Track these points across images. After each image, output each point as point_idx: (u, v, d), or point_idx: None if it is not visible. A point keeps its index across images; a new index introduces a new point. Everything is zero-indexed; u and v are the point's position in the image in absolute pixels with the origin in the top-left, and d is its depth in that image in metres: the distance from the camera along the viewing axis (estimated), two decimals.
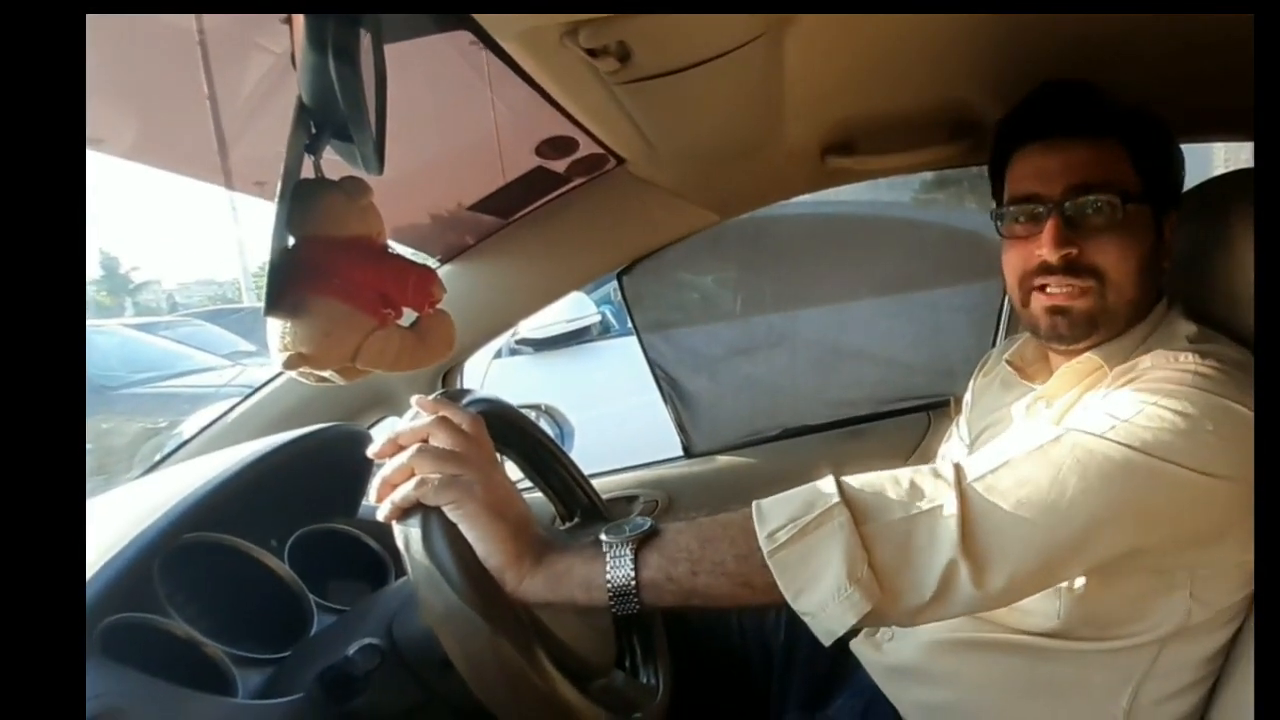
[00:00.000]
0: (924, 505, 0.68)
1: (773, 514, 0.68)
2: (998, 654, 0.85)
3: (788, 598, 0.66)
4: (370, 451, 0.73)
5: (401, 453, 0.69)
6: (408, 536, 0.66)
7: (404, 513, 0.67)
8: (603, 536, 0.68)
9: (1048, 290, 0.86)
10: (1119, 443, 0.69)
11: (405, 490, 0.67)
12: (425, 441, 0.70)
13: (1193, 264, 0.89)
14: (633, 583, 0.67)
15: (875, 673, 0.97)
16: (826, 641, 0.67)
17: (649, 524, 0.70)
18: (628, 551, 0.67)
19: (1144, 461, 0.68)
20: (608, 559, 0.67)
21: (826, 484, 0.70)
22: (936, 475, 0.70)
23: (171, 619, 0.76)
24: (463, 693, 0.67)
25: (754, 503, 0.70)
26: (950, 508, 0.67)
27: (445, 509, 0.66)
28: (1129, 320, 0.86)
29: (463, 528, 0.66)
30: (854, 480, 0.71)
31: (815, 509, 0.67)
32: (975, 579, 0.67)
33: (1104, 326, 0.86)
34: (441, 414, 0.72)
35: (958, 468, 0.70)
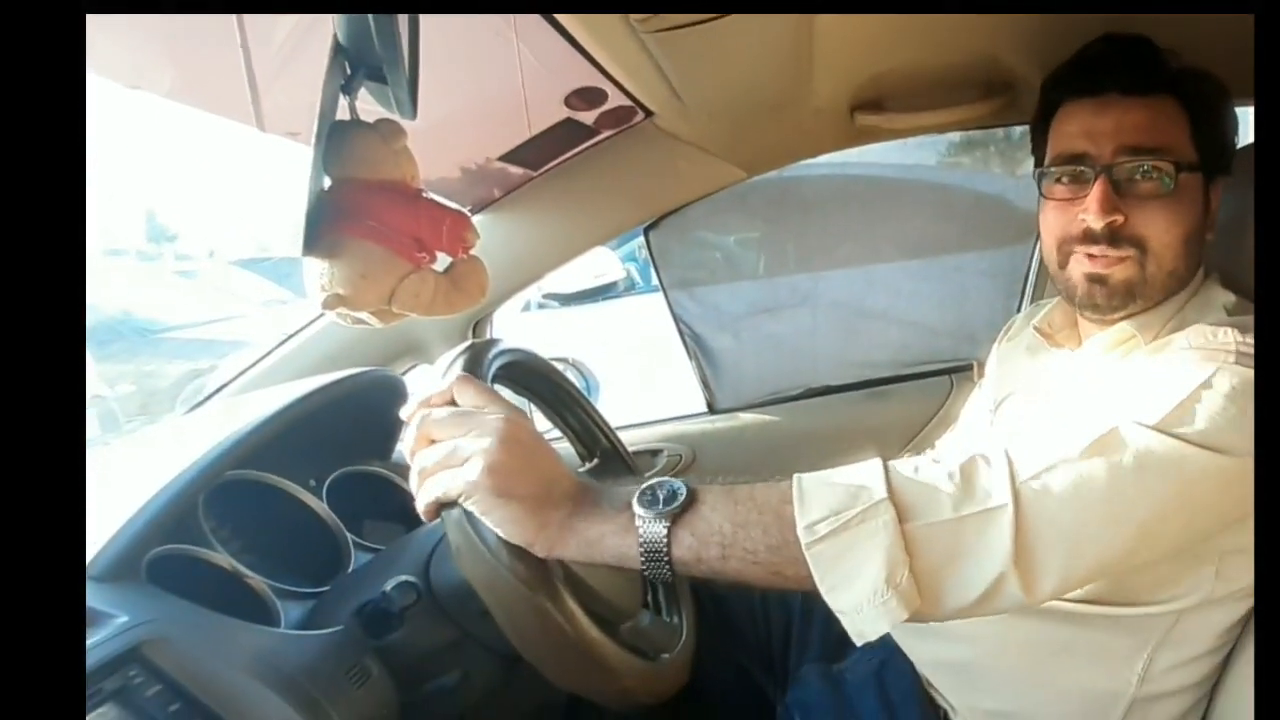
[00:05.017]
0: (975, 507, 0.64)
1: (814, 500, 0.64)
2: (1018, 615, 0.81)
3: (822, 591, 0.64)
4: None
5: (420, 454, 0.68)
6: (444, 517, 0.67)
7: (436, 510, 0.67)
8: (636, 508, 0.66)
9: (1090, 255, 0.83)
10: (1173, 436, 0.66)
11: (423, 499, 0.67)
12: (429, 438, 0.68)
13: (1228, 231, 0.87)
14: (665, 557, 0.65)
15: (893, 628, 0.96)
16: (858, 642, 0.65)
17: (683, 492, 0.66)
18: (661, 528, 0.65)
19: (1197, 456, 0.65)
20: (640, 533, 0.65)
21: (873, 473, 0.66)
22: (989, 467, 0.66)
23: (216, 552, 0.79)
24: (496, 635, 0.68)
25: (794, 478, 0.66)
26: (1004, 513, 0.64)
27: (460, 502, 0.66)
28: (1168, 291, 0.84)
29: (480, 516, 0.65)
30: (903, 468, 0.66)
31: (859, 503, 0.63)
32: (1024, 587, 0.64)
33: (1141, 297, 0.83)
34: (424, 410, 0.69)
35: (1010, 462, 0.66)
